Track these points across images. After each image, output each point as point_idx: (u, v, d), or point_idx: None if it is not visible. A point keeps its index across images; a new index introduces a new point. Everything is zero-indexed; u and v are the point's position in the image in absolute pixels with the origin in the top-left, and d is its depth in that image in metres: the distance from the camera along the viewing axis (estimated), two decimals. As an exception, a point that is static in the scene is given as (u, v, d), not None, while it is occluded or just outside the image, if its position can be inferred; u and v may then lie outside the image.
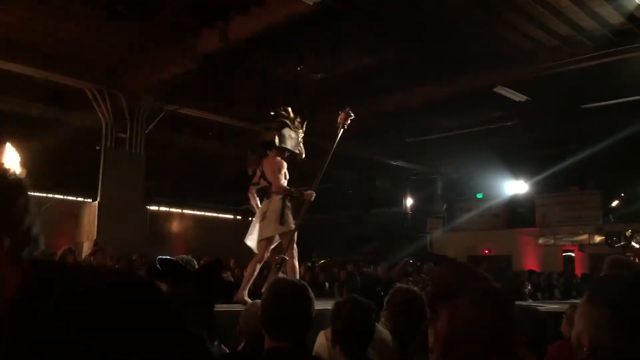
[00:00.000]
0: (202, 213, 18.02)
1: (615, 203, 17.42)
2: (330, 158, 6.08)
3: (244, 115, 13.79)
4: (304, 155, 6.13)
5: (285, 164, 5.88)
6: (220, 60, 11.03)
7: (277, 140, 5.87)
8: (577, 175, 17.20)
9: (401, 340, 3.03)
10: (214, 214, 18.33)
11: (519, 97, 12.85)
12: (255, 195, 6.05)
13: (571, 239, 18.00)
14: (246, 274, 5.85)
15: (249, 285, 5.75)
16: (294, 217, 5.82)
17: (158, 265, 1.62)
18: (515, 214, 19.34)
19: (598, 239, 16.89)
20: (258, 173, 6.00)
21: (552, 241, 18.44)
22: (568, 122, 14.17)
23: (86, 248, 11.45)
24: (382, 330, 3.05)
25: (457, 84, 12.43)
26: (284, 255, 5.70)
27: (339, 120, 6.03)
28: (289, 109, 6.16)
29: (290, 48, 11.17)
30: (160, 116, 12.75)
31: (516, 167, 17.79)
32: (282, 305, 2.09)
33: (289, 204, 5.77)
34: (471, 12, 9.96)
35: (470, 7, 9.74)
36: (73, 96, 12.10)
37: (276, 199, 5.76)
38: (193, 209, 17.77)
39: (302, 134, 6.16)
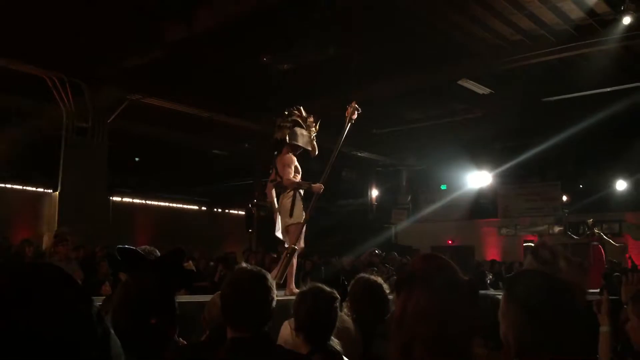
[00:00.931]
0: (167, 204, 17.82)
1: (565, 198, 17.88)
2: (337, 152, 6.43)
3: (210, 105, 13.69)
4: (317, 152, 6.40)
5: (294, 159, 6.14)
6: (186, 50, 10.89)
7: (287, 137, 6.12)
8: (538, 167, 17.57)
9: (364, 329, 3.06)
10: (179, 205, 18.15)
11: (482, 90, 13.04)
12: (273, 191, 6.27)
13: (532, 230, 18.40)
14: (288, 267, 5.97)
15: (292, 277, 6.04)
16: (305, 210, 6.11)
17: (118, 256, 1.60)
18: (477, 205, 19.66)
19: (557, 229, 17.28)
20: (273, 170, 6.25)
21: (514, 232, 18.82)
22: (530, 115, 14.44)
23: (47, 239, 11.23)
24: (346, 319, 3.08)
25: (423, 77, 12.54)
26: (294, 245, 5.94)
27: (346, 114, 6.31)
28: (301, 109, 6.36)
29: (256, 38, 11.09)
30: (124, 106, 12.52)
31: (479, 159, 18.07)
32: (239, 295, 2.09)
33: (299, 197, 6.08)
34: (436, 6, 10.06)
35: (435, 0, 9.84)
36: (33, 84, 11.80)
37: (289, 194, 6.06)
38: (157, 200, 17.56)
39: (315, 133, 6.38)
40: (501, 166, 17.56)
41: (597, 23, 10.29)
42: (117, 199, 15.76)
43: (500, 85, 12.94)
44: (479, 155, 17.82)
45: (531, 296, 1.54)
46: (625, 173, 16.71)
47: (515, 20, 10.53)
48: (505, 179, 18.70)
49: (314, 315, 2.54)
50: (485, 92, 13.16)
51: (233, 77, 12.08)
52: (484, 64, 11.95)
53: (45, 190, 13.12)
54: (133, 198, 16.76)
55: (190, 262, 9.05)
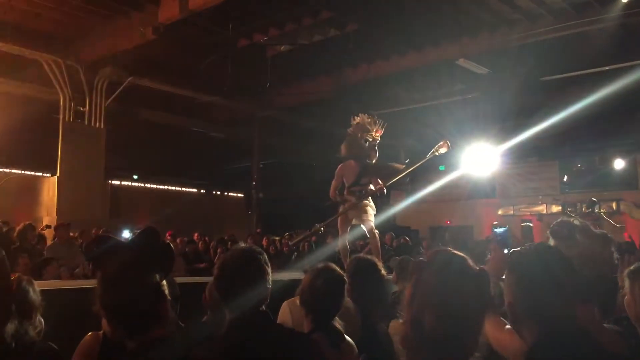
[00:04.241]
0: (166, 187, 17.81)
1: (565, 178, 17.87)
2: (406, 173, 7.01)
3: (207, 88, 13.63)
4: (368, 155, 6.61)
5: (338, 172, 6.64)
6: (182, 32, 10.82)
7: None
8: (536, 146, 17.51)
9: (363, 308, 3.08)
10: (178, 188, 18.14)
11: (480, 69, 12.98)
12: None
13: (530, 209, 18.41)
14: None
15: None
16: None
17: (94, 246, 1.61)
18: (475, 185, 19.61)
19: (555, 208, 17.30)
20: None
21: (512, 211, 18.83)
22: (528, 94, 14.38)
23: (46, 223, 11.24)
24: (347, 299, 3.10)
25: (420, 57, 12.48)
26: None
27: (436, 146, 6.63)
28: (356, 116, 6.53)
29: (253, 19, 11.02)
30: (120, 89, 12.46)
31: (477, 139, 17.98)
32: (232, 275, 2.05)
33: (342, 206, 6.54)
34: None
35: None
36: (29, 68, 11.73)
37: None
38: (156, 183, 17.55)
39: (353, 135, 6.52)
40: (499, 146, 17.48)
41: (596, 1, 10.22)
42: (116, 182, 15.76)
43: (498, 65, 12.88)
44: (476, 135, 17.74)
45: (524, 268, 1.66)
46: (623, 152, 16.69)
47: (513, -1, 10.46)
48: (503, 159, 18.62)
49: (324, 296, 2.54)
50: (483, 72, 13.10)
51: (231, 59, 12.01)
52: (482, 44, 11.88)
53: (44, 175, 13.11)
54: (132, 181, 16.75)
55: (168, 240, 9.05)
